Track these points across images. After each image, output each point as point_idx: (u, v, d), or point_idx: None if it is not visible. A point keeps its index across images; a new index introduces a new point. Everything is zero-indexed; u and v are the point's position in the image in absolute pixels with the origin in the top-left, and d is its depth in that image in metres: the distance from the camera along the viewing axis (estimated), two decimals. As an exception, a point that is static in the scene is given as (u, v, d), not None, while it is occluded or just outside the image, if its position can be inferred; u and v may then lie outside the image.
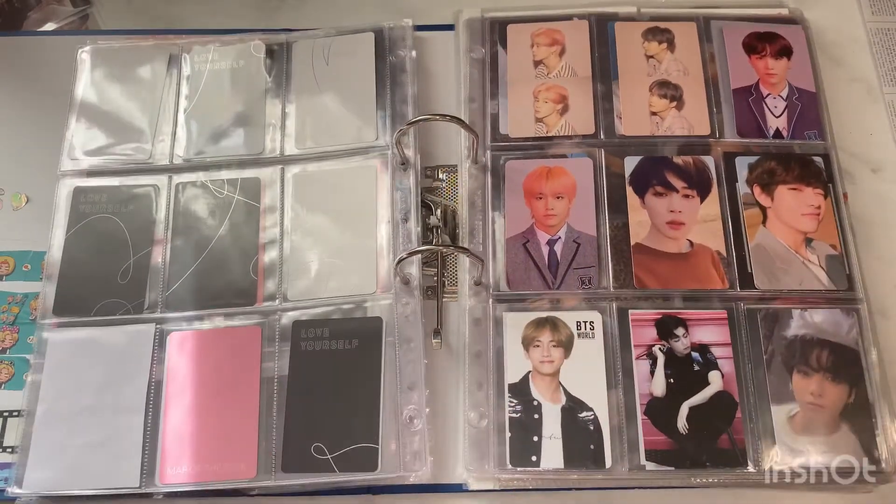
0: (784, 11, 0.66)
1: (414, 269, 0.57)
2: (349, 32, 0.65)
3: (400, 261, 0.54)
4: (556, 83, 0.62)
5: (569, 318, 0.55)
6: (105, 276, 0.58)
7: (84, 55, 0.66)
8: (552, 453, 0.51)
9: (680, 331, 0.54)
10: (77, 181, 0.61)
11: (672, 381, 0.53)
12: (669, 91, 0.62)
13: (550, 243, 0.57)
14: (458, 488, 0.52)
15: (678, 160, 0.59)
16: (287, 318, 0.56)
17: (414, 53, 0.64)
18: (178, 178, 0.61)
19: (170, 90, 0.64)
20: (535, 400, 0.53)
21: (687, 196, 0.58)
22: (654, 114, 0.61)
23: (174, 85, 0.64)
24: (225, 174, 0.61)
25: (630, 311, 0.55)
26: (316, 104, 0.63)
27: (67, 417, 0.54)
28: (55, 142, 0.62)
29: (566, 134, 0.61)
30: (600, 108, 0.62)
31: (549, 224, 0.58)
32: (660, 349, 0.54)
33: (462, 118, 0.59)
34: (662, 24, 0.64)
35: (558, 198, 0.59)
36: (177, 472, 0.52)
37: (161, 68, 0.65)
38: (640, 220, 0.57)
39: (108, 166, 0.62)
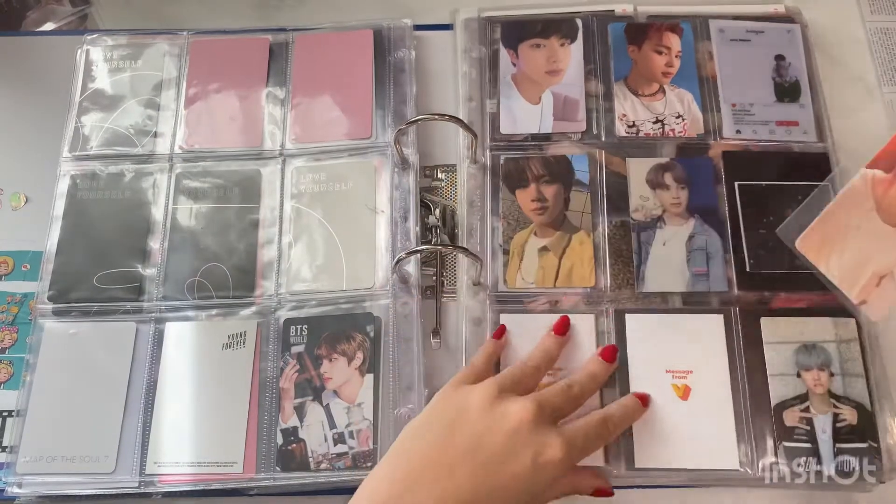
0: (781, 9, 0.66)
1: (413, 268, 0.57)
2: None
3: (399, 261, 0.54)
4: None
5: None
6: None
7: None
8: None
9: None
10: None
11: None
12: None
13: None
14: (456, 488, 0.52)
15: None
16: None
17: (413, 53, 0.64)
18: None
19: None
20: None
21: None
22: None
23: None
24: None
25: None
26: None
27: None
28: (54, 142, 0.62)
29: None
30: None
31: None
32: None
33: (461, 118, 0.59)
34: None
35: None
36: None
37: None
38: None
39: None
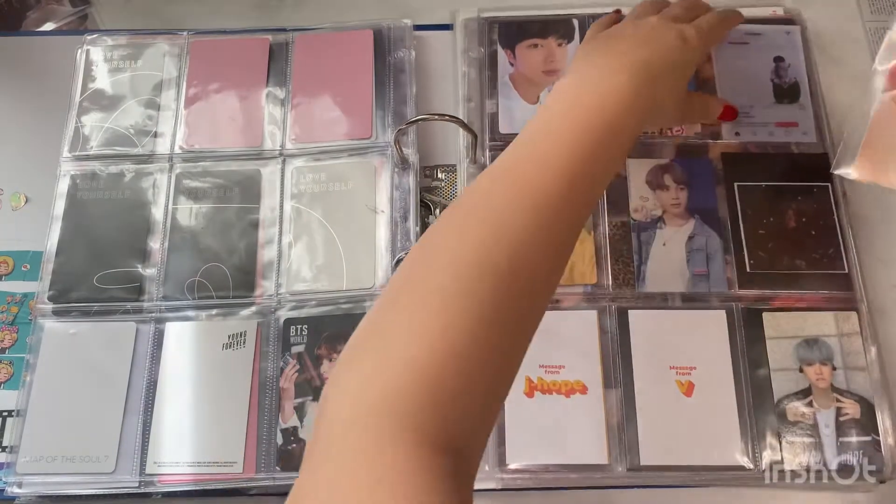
0: (780, 11, 0.66)
1: (413, 268, 0.57)
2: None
3: (399, 261, 0.54)
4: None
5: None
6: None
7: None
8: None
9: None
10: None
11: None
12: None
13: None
14: (457, 488, 0.52)
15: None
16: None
17: (413, 53, 0.64)
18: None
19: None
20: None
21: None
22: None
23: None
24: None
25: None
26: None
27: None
28: (54, 142, 0.62)
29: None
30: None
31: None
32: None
33: (461, 118, 0.59)
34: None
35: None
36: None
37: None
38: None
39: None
